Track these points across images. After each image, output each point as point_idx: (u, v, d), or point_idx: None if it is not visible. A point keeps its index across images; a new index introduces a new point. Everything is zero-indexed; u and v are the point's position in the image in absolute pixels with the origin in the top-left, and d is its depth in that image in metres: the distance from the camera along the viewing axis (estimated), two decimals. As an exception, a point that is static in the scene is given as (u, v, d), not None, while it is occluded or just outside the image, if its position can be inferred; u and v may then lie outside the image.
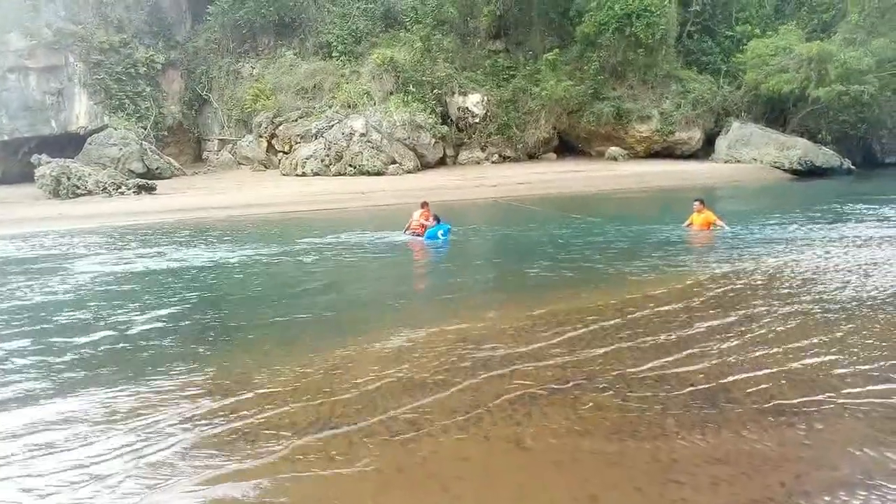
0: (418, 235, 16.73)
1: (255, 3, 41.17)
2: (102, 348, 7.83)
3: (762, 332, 7.63)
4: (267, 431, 5.34)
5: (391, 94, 37.93)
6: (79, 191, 29.95)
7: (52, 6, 39.07)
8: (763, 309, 8.61)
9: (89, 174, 30.91)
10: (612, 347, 7.16)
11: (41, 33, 38.04)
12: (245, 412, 5.73)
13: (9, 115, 37.90)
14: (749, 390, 5.92)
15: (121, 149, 35.15)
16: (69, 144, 36.69)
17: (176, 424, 5.56)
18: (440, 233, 16.11)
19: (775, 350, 6.96)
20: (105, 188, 30.25)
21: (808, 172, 36.28)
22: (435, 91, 38.97)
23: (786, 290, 9.58)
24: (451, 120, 39.72)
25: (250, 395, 6.13)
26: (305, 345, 7.70)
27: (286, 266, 13.52)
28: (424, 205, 17.35)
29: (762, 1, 46.53)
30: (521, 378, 6.33)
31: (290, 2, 42.26)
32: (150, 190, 30.69)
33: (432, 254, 15.17)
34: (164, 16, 43.59)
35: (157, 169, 35.87)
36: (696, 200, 16.48)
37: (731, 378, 6.22)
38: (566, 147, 43.23)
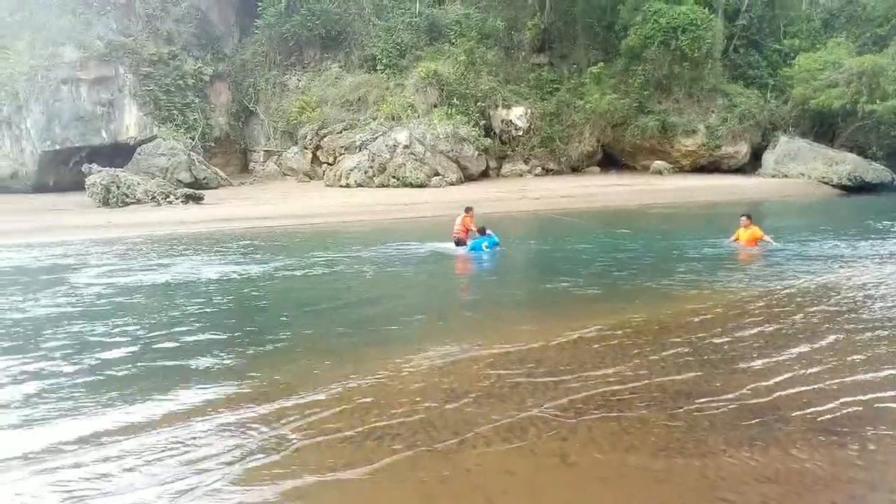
0: (460, 241, 16.74)
1: (302, 16, 41.69)
2: (136, 360, 7.95)
3: (811, 349, 7.50)
4: (309, 441, 5.38)
5: (435, 106, 38.07)
6: (128, 199, 30.49)
7: (104, 20, 40.00)
8: (812, 326, 8.47)
9: (138, 183, 31.46)
10: (658, 363, 7.08)
11: (93, 46, 38.90)
12: (287, 421, 5.77)
13: (61, 125, 38.72)
14: (798, 408, 5.82)
15: (169, 159, 35.75)
16: (119, 154, 37.40)
17: (223, 433, 5.62)
18: (485, 245, 16.03)
19: (825, 368, 6.84)
20: (154, 197, 30.76)
21: (858, 188, 35.63)
22: (478, 104, 39.04)
23: (835, 308, 9.41)
24: (495, 132, 39.75)
25: (292, 404, 6.17)
26: (348, 356, 7.71)
27: (330, 277, 13.60)
28: (468, 210, 17.32)
29: (811, 15, 45.92)
30: (566, 392, 6.28)
31: (336, 16, 42.75)
32: (197, 200, 31.13)
33: (476, 266, 15.16)
34: (213, 29, 44.34)
35: (204, 179, 36.41)
36: (742, 215, 16.25)
37: (779, 395, 6.12)
38: (610, 161, 43.00)
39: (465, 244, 16.75)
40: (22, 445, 5.41)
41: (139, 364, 7.58)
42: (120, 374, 7.24)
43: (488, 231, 16.24)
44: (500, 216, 23.50)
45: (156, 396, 6.47)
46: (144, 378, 7.08)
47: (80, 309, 10.60)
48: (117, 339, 8.71)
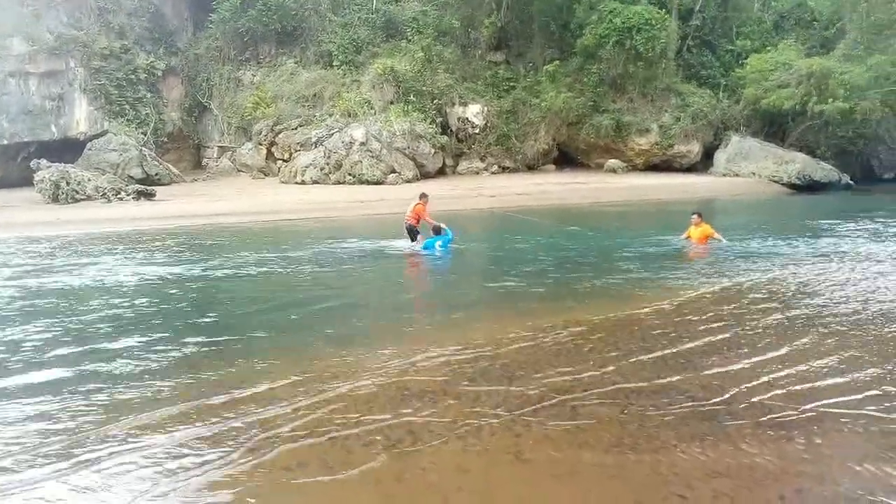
0: (411, 229, 16.63)
1: (257, 11, 41.24)
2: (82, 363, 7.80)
3: (760, 346, 7.65)
4: (264, 436, 5.34)
5: (391, 103, 37.97)
6: (78, 196, 29.91)
7: (53, 12, 39.09)
8: (761, 323, 8.63)
9: (88, 179, 30.88)
10: (611, 361, 7.16)
11: (43, 39, 38.05)
12: (243, 418, 5.71)
13: (9, 119, 37.82)
14: (748, 404, 5.93)
15: (120, 154, 35.16)
16: (69, 149, 36.67)
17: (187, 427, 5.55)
18: (438, 244, 16.00)
19: (773, 364, 6.98)
20: (104, 193, 30.21)
21: (807, 187, 36.41)
22: (435, 101, 39.03)
23: (784, 305, 9.60)
24: (451, 130, 39.77)
25: (248, 402, 6.11)
26: (302, 355, 7.65)
27: (284, 275, 13.46)
28: (422, 197, 17.10)
29: (762, 17, 46.76)
30: (519, 391, 6.31)
31: (292, 11, 42.35)
32: (149, 196, 30.65)
33: (429, 264, 15.13)
34: (166, 23, 43.62)
35: (156, 175, 35.86)
36: (693, 213, 16.46)
37: (729, 391, 6.23)
38: (566, 159, 43.31)
39: (416, 232, 16.64)
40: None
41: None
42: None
43: (443, 226, 16.19)
44: (455, 214, 23.51)
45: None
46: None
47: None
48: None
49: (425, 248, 16.09)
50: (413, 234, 16.74)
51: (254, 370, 7.06)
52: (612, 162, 40.70)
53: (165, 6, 43.53)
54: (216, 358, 7.60)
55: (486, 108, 40.04)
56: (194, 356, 7.73)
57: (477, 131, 40.00)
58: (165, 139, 41.89)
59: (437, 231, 16.19)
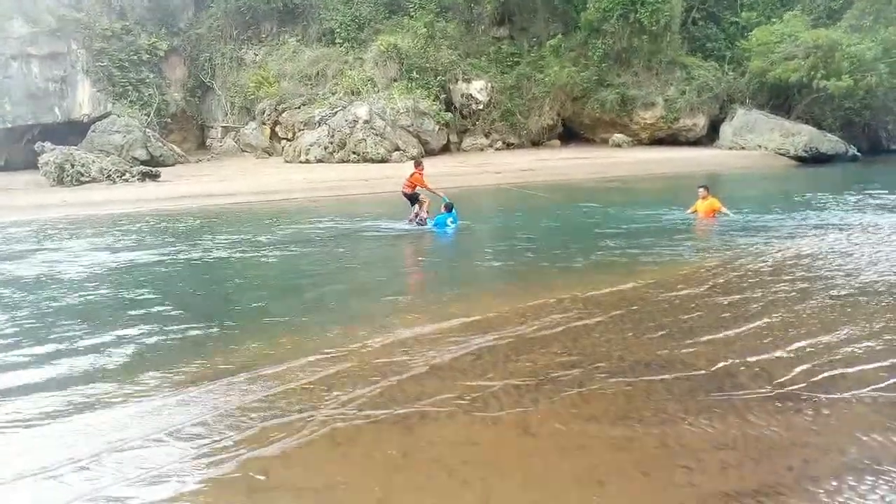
0: (408, 197, 16.54)
1: (258, -11, 40.98)
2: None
3: (768, 318, 7.62)
4: (271, 419, 5.34)
5: (395, 80, 37.76)
6: (83, 178, 29.88)
7: (53, -8, 38.94)
8: (768, 295, 8.60)
9: (93, 161, 30.84)
10: (617, 334, 7.15)
11: (43, 20, 37.85)
12: (249, 398, 5.72)
13: (12, 103, 37.71)
14: (755, 375, 5.92)
15: (124, 136, 35.07)
16: (73, 132, 36.58)
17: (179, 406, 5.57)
18: (449, 221, 15.75)
19: (781, 336, 6.96)
20: (109, 175, 30.18)
21: (814, 159, 36.14)
22: (439, 78, 38.75)
23: (791, 277, 9.56)
24: (455, 107, 39.53)
25: (252, 379, 6.12)
26: (309, 333, 7.68)
27: (291, 254, 13.49)
28: (417, 164, 16.94)
29: (767, -14, 46.27)
30: (527, 364, 6.32)
31: (293, -13, 42.07)
32: (154, 177, 30.62)
33: (438, 241, 15.10)
34: (167, 2, 43.29)
35: (160, 156, 35.78)
36: (700, 187, 16.40)
37: (736, 363, 6.22)
38: (570, 134, 43.05)
39: (415, 197, 16.51)
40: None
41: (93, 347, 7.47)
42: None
43: (453, 207, 15.94)
44: (463, 190, 23.47)
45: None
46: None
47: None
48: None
49: (436, 224, 15.91)
50: (413, 199, 16.58)
51: (260, 351, 7.07)
52: (618, 136, 40.47)
53: (166, -16, 43.23)
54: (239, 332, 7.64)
55: (490, 84, 39.80)
56: (207, 335, 7.76)
57: (481, 107, 39.77)
58: (169, 120, 41.75)
59: (450, 208, 15.95)
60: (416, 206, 16.51)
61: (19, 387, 6.23)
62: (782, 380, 5.79)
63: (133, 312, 8.83)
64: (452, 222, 15.80)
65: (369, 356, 6.69)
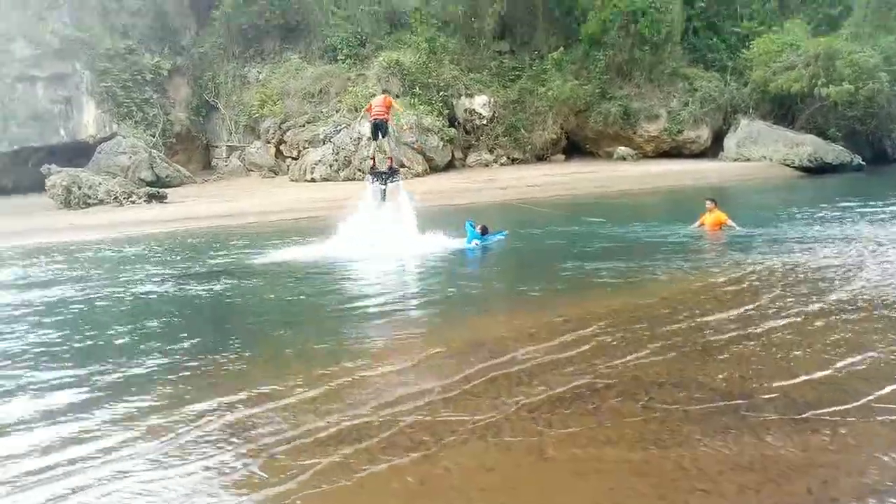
0: (381, 122, 16.40)
1: (260, 6, 41.14)
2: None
3: (781, 335, 7.58)
4: (286, 446, 5.32)
5: (398, 96, 37.83)
6: (90, 200, 30.03)
7: (56, 13, 39.14)
8: (781, 311, 8.55)
9: (100, 183, 31.00)
10: (630, 353, 7.10)
11: (47, 41, 38.12)
12: (263, 426, 5.70)
13: (17, 125, 37.94)
14: (771, 394, 5.87)
15: (130, 157, 35.25)
16: (79, 153, 36.79)
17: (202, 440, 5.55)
18: (475, 242, 15.40)
19: (796, 353, 6.92)
20: (116, 197, 30.32)
21: (819, 169, 36.18)
22: (441, 93, 38.95)
23: (804, 291, 9.51)
24: (459, 122, 39.70)
25: (268, 407, 6.10)
26: (322, 355, 7.64)
27: (310, 273, 13.46)
28: (385, 92, 16.91)
29: (767, -4, 46.43)
30: (540, 385, 6.29)
31: (295, 5, 42.25)
32: (160, 199, 30.75)
33: (451, 256, 14.92)
34: (169, 21, 43.51)
35: (166, 177, 35.97)
36: (707, 200, 16.42)
37: (752, 382, 6.18)
38: (574, 148, 43.13)
39: (385, 129, 16.54)
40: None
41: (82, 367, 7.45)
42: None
43: (477, 228, 15.64)
44: (471, 207, 23.50)
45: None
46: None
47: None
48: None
49: (474, 238, 15.52)
50: (384, 131, 16.47)
51: (270, 375, 7.05)
52: (622, 150, 40.55)
53: (167, 4, 43.41)
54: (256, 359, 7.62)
55: (492, 99, 39.96)
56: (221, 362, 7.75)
57: (485, 122, 39.94)
58: (174, 140, 41.93)
59: (485, 231, 15.72)
60: (385, 139, 16.50)
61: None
62: (799, 399, 5.75)
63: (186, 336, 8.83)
64: (479, 243, 15.48)
65: (379, 381, 6.67)
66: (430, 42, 39.87)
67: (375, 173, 16.77)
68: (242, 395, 6.33)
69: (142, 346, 8.33)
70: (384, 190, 16.39)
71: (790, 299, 9.10)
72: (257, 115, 40.23)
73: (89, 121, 39.11)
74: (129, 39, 40.87)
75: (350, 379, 6.75)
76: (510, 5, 42.53)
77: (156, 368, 7.42)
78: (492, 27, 42.82)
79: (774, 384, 6.10)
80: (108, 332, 9.12)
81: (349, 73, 40.25)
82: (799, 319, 8.13)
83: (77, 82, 38.97)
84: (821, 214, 18.39)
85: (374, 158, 17.07)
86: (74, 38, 38.66)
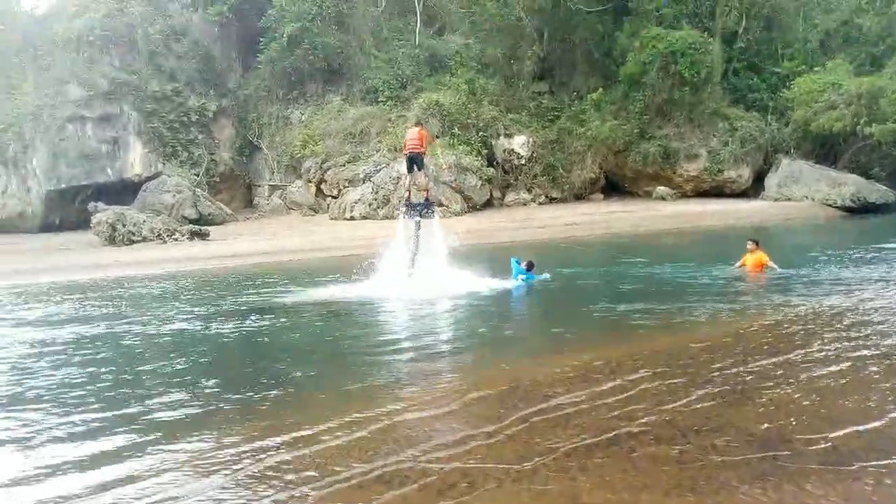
0: (413, 156, 16.31)
1: (303, 51, 41.99)
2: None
3: (823, 379, 7.44)
4: (323, 491, 5.33)
5: (437, 137, 38.20)
6: (134, 237, 30.60)
7: (107, 58, 40.48)
8: (824, 354, 8.41)
9: (144, 221, 31.60)
10: (667, 396, 7.03)
11: (98, 84, 39.35)
12: (299, 470, 5.73)
13: (66, 164, 39.00)
14: (811, 440, 5.75)
15: (174, 195, 35.98)
16: (124, 191, 37.67)
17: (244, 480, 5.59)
18: (521, 277, 15.49)
19: (837, 399, 6.78)
20: (159, 235, 30.86)
21: (862, 209, 35.61)
22: (480, 133, 39.21)
23: (847, 335, 9.34)
24: (497, 162, 39.89)
25: (304, 451, 6.12)
26: (357, 397, 7.64)
27: (346, 313, 13.55)
28: (418, 123, 16.89)
29: (808, 37, 46.15)
30: (577, 429, 6.23)
31: (338, 49, 43.07)
32: (203, 236, 31.24)
33: (488, 295, 14.83)
34: (216, 64, 44.66)
35: (209, 215, 36.61)
36: (749, 240, 16.26)
37: (791, 427, 6.07)
38: (613, 187, 43.07)
39: (421, 161, 16.45)
40: None
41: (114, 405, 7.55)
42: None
43: (523, 264, 15.72)
44: (506, 246, 23.51)
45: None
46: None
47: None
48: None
49: (519, 274, 15.59)
50: (419, 164, 16.39)
51: (306, 415, 7.08)
52: (661, 189, 40.36)
53: (215, 48, 44.65)
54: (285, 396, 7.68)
55: (531, 139, 40.12)
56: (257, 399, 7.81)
57: (523, 162, 40.06)
58: (218, 179, 42.80)
59: (530, 267, 15.71)
60: (420, 172, 16.40)
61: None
62: (840, 446, 5.64)
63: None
64: (524, 279, 15.53)
65: (415, 424, 6.67)
66: (470, 83, 40.28)
67: (410, 205, 16.82)
68: (278, 439, 6.35)
69: (174, 386, 8.41)
70: (419, 222, 16.38)
71: (833, 344, 8.93)
72: (299, 155, 40.86)
73: (136, 160, 40.09)
74: (176, 82, 42.01)
75: (386, 422, 6.71)
76: (549, 48, 42.92)
77: (191, 410, 7.48)
78: (531, 69, 43.19)
79: (815, 429, 5.98)
80: (140, 372, 9.23)
81: (390, 113, 40.76)
82: (842, 365, 7.97)
83: (125, 123, 40.04)
84: (864, 256, 18.09)
85: (409, 191, 17.15)
86: (123, 81, 39.84)
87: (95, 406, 7.64)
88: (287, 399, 7.76)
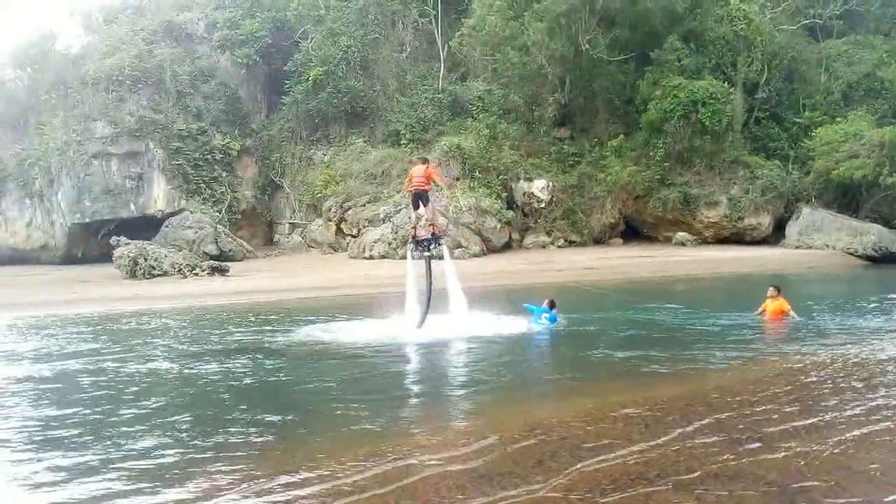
0: (419, 193, 16.01)
1: (328, 94, 42.67)
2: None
3: (842, 427, 7.38)
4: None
5: (457, 179, 38.48)
6: (155, 272, 30.88)
7: (135, 97, 41.41)
8: (841, 402, 8.34)
9: (165, 256, 31.91)
10: (684, 442, 6.98)
11: (124, 121, 40.12)
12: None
13: (91, 198, 39.69)
14: (831, 491, 5.69)
15: (196, 231, 36.38)
16: (147, 226, 38.14)
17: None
18: (544, 316, 15.39)
19: (855, 447, 6.72)
20: (180, 270, 31.12)
21: (884, 259, 35.35)
22: (500, 177, 39.50)
23: (865, 384, 9.27)
24: (517, 205, 40.04)
25: (318, 488, 6.12)
26: (372, 439, 7.59)
27: (362, 353, 13.54)
28: (424, 161, 16.56)
29: (830, 87, 46.24)
30: (591, 473, 6.21)
31: (361, 92, 43.75)
32: (223, 272, 31.46)
33: (503, 338, 14.73)
34: (241, 105, 45.53)
35: (229, 251, 36.95)
36: (771, 287, 16.15)
37: (810, 477, 6.00)
38: (633, 232, 43.03)
39: (427, 198, 16.11)
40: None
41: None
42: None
43: (545, 304, 15.64)
44: (524, 287, 23.49)
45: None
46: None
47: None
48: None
49: (542, 313, 15.45)
50: (424, 200, 16.06)
51: (320, 454, 7.08)
52: (681, 235, 40.29)
53: (241, 89, 45.52)
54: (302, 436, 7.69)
55: (551, 183, 40.26)
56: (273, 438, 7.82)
57: (543, 206, 40.18)
58: (239, 216, 43.31)
59: (552, 305, 15.59)
60: (427, 207, 16.07)
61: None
62: (856, 493, 5.59)
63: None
64: (547, 318, 15.41)
65: (429, 459, 6.67)
66: (491, 128, 40.61)
67: (417, 242, 16.55)
68: (285, 479, 6.38)
69: (184, 425, 8.46)
70: (429, 257, 16.22)
71: (853, 392, 8.87)
72: (320, 194, 41.29)
73: (159, 196, 40.69)
74: (202, 121, 42.78)
75: (401, 465, 6.65)
76: (571, 95, 43.24)
77: (200, 449, 7.46)
78: (552, 115, 43.48)
79: (833, 479, 5.92)
80: (146, 410, 9.30)
81: (411, 156, 40.99)
82: (862, 414, 7.90)
83: (150, 160, 40.74)
84: (885, 306, 17.93)
85: (414, 227, 16.91)
86: (150, 119, 40.58)
87: (86, 451, 7.54)
88: (298, 441, 7.80)
